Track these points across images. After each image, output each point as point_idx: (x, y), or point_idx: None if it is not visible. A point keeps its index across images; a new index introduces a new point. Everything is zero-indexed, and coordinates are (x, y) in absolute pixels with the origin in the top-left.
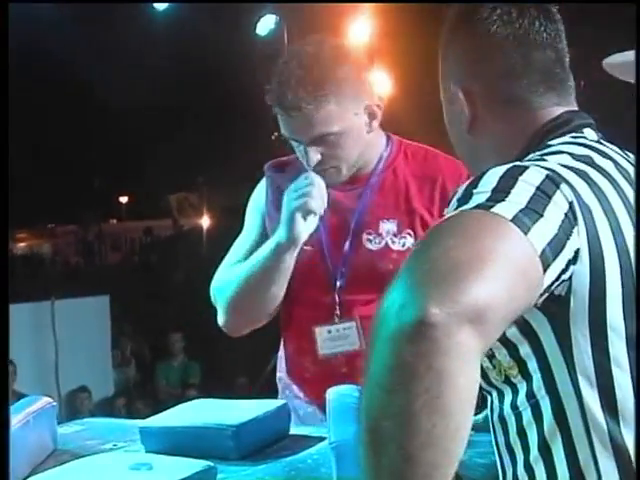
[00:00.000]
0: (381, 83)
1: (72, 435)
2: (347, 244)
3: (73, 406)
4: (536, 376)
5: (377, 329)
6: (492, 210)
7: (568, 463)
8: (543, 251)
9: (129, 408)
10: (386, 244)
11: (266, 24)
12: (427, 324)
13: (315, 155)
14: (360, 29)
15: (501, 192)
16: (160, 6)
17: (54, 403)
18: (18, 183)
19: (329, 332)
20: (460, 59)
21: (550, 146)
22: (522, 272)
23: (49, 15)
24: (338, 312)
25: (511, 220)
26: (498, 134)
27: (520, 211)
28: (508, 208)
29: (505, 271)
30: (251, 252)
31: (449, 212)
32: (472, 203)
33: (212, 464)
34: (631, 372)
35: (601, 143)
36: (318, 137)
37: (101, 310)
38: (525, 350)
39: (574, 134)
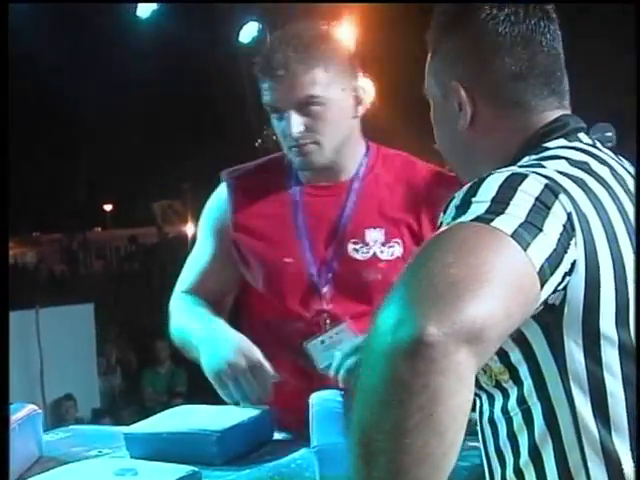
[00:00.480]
0: (365, 91)
1: (58, 442)
2: (331, 254)
3: (58, 414)
4: (527, 382)
5: (372, 343)
6: (492, 224)
7: (558, 469)
8: (541, 267)
9: (115, 416)
10: (374, 254)
11: (249, 31)
12: (424, 343)
13: (298, 123)
14: (343, 36)
15: (500, 203)
16: (143, 14)
17: (39, 410)
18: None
19: (322, 342)
20: (462, 56)
21: (547, 149)
22: (520, 289)
23: (33, 22)
24: (328, 321)
25: (511, 235)
26: (496, 134)
27: (520, 226)
28: (508, 222)
29: (503, 289)
30: (203, 274)
31: (446, 220)
32: (471, 214)
33: (196, 469)
34: (623, 380)
35: (596, 147)
36: (303, 101)
37: (86, 318)
38: (516, 357)
39: (570, 137)
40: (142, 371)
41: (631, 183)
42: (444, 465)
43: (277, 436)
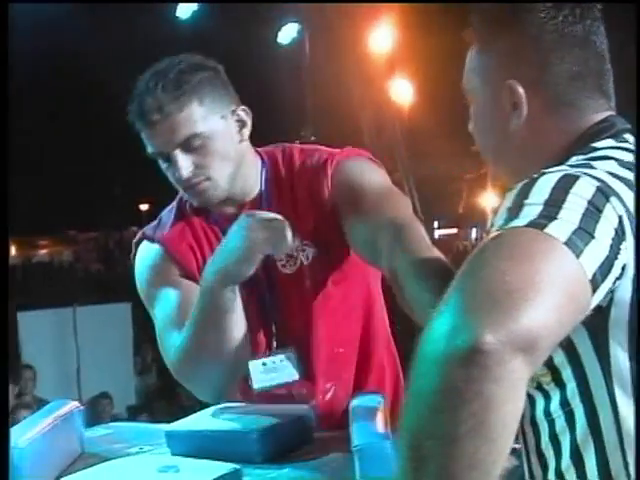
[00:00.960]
0: (403, 91)
1: (99, 439)
2: (266, 276)
3: (95, 412)
4: (571, 385)
5: (425, 349)
6: (545, 230)
7: (600, 471)
8: (594, 275)
9: (150, 414)
10: (301, 262)
11: (288, 33)
12: (480, 351)
13: (185, 164)
14: (381, 38)
15: (553, 207)
16: (183, 14)
17: (81, 407)
18: (39, 191)
19: (264, 364)
20: (521, 54)
21: (595, 149)
22: (573, 297)
23: (72, 22)
24: (275, 344)
25: (564, 243)
26: (546, 134)
27: (573, 232)
28: (561, 228)
29: (557, 298)
30: (183, 311)
31: (497, 222)
32: (524, 218)
33: (238, 467)
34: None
35: None
36: (184, 141)
37: (123, 317)
38: (560, 359)
39: (617, 138)
40: None
41: None
42: (493, 471)
43: (317, 435)
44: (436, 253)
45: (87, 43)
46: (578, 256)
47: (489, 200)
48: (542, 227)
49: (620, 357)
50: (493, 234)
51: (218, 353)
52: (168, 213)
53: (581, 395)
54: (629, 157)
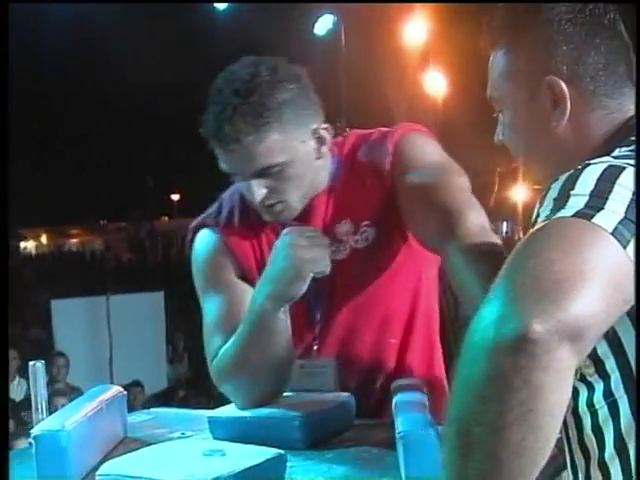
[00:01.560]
0: (436, 83)
1: (140, 424)
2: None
3: (127, 400)
4: (615, 375)
5: (473, 337)
6: (593, 220)
7: None
8: None
9: (182, 403)
10: (351, 247)
11: (324, 24)
12: (528, 340)
13: (260, 189)
14: (416, 30)
15: (599, 197)
16: (220, 5)
17: (125, 392)
18: (71, 180)
19: (302, 367)
20: (556, 49)
21: (635, 142)
22: (619, 288)
23: (107, 15)
24: (316, 347)
25: (611, 233)
26: (587, 127)
27: (619, 222)
28: (608, 218)
29: (604, 288)
30: (232, 316)
31: (544, 212)
32: (571, 209)
33: (282, 452)
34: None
35: None
36: (260, 170)
37: (156, 305)
38: (603, 349)
39: None
40: None
41: None
42: (539, 459)
43: (357, 422)
44: (490, 236)
45: (123, 34)
46: (625, 246)
47: (520, 194)
48: (589, 217)
49: None
50: (540, 224)
51: (261, 370)
52: (229, 202)
53: (625, 385)
54: None
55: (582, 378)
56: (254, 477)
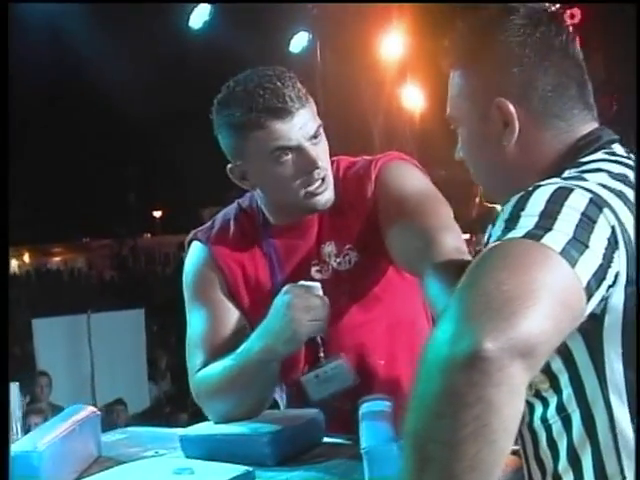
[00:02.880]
0: (413, 98)
1: (115, 443)
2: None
3: (109, 418)
4: (567, 391)
5: (428, 355)
6: (542, 241)
7: (596, 474)
8: (588, 283)
9: (165, 420)
10: (333, 269)
11: (299, 41)
12: (481, 357)
13: (316, 153)
14: (392, 44)
15: (548, 218)
16: (196, 24)
17: (98, 412)
18: (54, 198)
19: (317, 377)
20: (506, 71)
21: (586, 162)
22: (569, 305)
23: (81, 30)
24: (322, 354)
25: (560, 253)
26: (537, 148)
27: (568, 242)
28: (556, 239)
29: (554, 306)
30: (217, 336)
31: (495, 233)
32: (521, 229)
33: (250, 469)
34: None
35: (630, 158)
36: (315, 131)
37: (136, 323)
38: (557, 365)
39: (606, 150)
40: None
41: None
42: (494, 471)
43: (327, 439)
44: (464, 258)
45: (103, 51)
46: (573, 265)
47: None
48: (538, 238)
49: (614, 363)
50: (491, 245)
51: (244, 400)
52: (223, 217)
53: (577, 400)
54: (619, 169)
55: (537, 393)
56: None
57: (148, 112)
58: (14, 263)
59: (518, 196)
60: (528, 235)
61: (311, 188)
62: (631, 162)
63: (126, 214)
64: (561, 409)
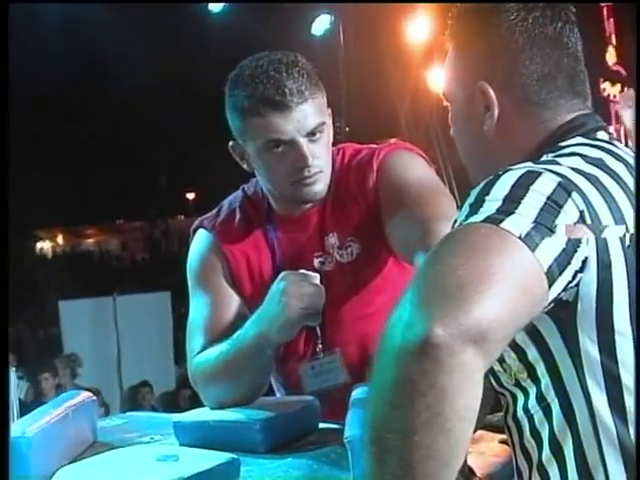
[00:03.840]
0: (440, 82)
1: (113, 428)
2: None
3: (135, 400)
4: (545, 380)
5: (383, 344)
6: (501, 225)
7: (578, 464)
8: (549, 267)
9: (192, 403)
10: (336, 261)
11: (321, 24)
12: (431, 344)
13: (311, 152)
14: (417, 27)
15: (512, 202)
16: (215, 7)
17: (94, 398)
18: (88, 181)
19: (313, 368)
20: (492, 56)
21: (563, 147)
22: (527, 290)
23: (104, 20)
24: (320, 346)
25: (519, 237)
26: (519, 135)
27: (529, 226)
28: (517, 223)
29: (510, 291)
30: (217, 321)
31: (460, 218)
32: (482, 214)
33: (236, 456)
34: (638, 376)
35: (612, 144)
36: (314, 128)
37: (163, 306)
38: (533, 355)
39: (587, 135)
40: None
41: None
42: (452, 461)
43: (321, 425)
44: None
45: (129, 36)
46: (533, 250)
47: None
48: (498, 222)
49: (590, 350)
50: (451, 230)
51: (238, 387)
52: (229, 205)
53: (555, 389)
54: (596, 153)
55: (517, 383)
56: None
57: (181, 97)
58: (47, 245)
59: (485, 181)
60: (488, 219)
61: (297, 178)
62: (612, 147)
63: (159, 197)
64: (541, 399)
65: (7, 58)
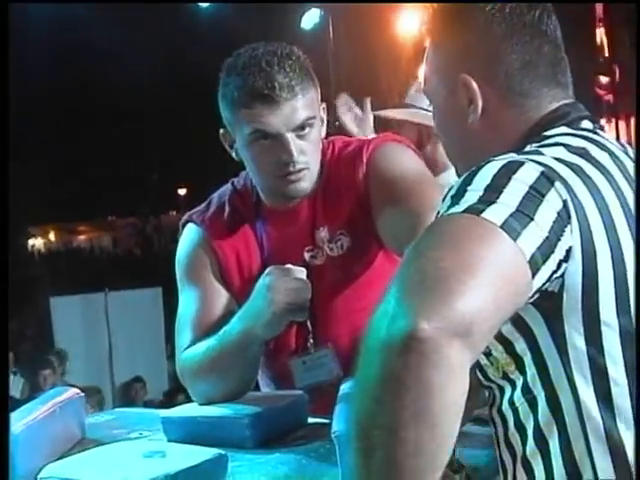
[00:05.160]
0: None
1: (101, 425)
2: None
3: (128, 396)
4: (531, 371)
5: (368, 339)
6: (482, 215)
7: (564, 458)
8: (532, 256)
9: (186, 399)
10: (327, 255)
11: (310, 18)
12: (416, 338)
13: (297, 147)
14: (408, 21)
15: (493, 192)
16: (204, 2)
17: (82, 394)
18: (79, 178)
19: (304, 363)
20: (471, 48)
21: (547, 137)
22: (510, 280)
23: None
24: (311, 341)
25: (500, 226)
26: (503, 126)
27: (510, 215)
28: (498, 212)
29: (493, 281)
30: (206, 316)
31: (442, 209)
32: (463, 204)
33: (223, 452)
34: (626, 367)
35: (597, 133)
36: (302, 123)
37: (154, 302)
38: (521, 346)
39: (572, 125)
40: None
41: (632, 168)
42: (439, 456)
43: (311, 420)
44: None
45: (122, 34)
46: (515, 239)
47: None
48: (479, 212)
49: (577, 342)
50: (433, 222)
51: (225, 382)
52: (218, 199)
53: (542, 381)
54: (579, 142)
55: (505, 376)
56: (193, 478)
57: (171, 92)
58: (40, 242)
59: (468, 172)
60: (468, 210)
61: (282, 173)
62: (596, 137)
63: (150, 192)
64: (527, 391)
65: (7, 58)
